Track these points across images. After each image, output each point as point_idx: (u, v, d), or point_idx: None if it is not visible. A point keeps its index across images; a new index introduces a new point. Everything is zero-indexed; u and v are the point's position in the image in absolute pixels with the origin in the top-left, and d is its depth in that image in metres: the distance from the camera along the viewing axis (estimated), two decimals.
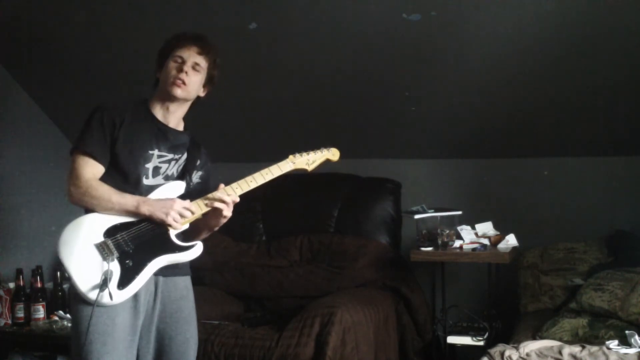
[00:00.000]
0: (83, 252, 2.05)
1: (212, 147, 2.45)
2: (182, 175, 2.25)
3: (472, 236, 3.51)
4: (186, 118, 2.32)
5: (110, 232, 2.08)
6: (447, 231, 3.45)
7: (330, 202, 3.98)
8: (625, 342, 2.69)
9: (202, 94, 2.29)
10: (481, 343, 3.31)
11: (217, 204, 2.14)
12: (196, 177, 2.31)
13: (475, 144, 3.87)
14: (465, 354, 3.50)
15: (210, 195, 2.16)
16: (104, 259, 2.04)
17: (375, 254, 3.74)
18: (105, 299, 2.01)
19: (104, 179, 2.13)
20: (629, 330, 2.76)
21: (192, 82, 2.20)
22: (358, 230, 3.85)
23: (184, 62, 2.19)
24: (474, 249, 3.39)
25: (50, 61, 3.78)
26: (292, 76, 3.61)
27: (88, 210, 2.13)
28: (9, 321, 3.51)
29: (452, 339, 3.44)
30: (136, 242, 2.09)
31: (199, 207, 2.15)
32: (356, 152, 4.00)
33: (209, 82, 2.29)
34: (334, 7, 3.09)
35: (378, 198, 3.92)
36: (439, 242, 3.44)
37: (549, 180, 3.86)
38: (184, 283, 2.28)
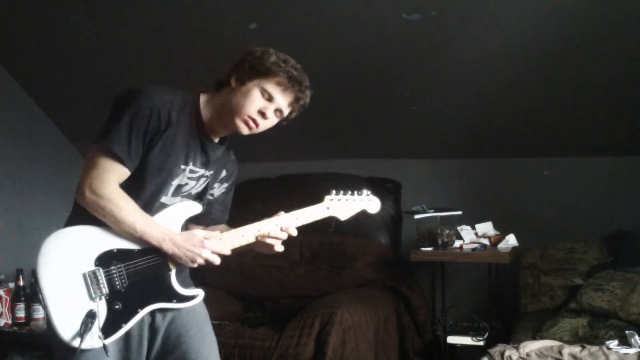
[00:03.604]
0: (67, 282, 1.70)
1: None
2: (203, 192, 1.93)
3: (472, 236, 3.51)
4: None
5: (104, 260, 1.74)
6: (447, 231, 3.45)
7: None
8: (625, 342, 2.69)
9: None
10: (481, 343, 3.31)
11: (270, 240, 1.88)
12: (221, 188, 2.03)
13: (475, 144, 3.87)
14: (465, 354, 3.50)
15: (263, 228, 1.90)
16: (91, 296, 1.71)
17: (375, 254, 3.74)
18: (86, 344, 1.71)
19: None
20: (629, 330, 2.76)
21: (265, 126, 1.86)
22: (358, 230, 3.84)
23: (270, 101, 1.82)
24: (474, 249, 3.39)
25: (51, 61, 3.78)
26: None
27: (75, 215, 1.79)
28: (9, 321, 3.51)
29: (452, 339, 3.43)
30: (132, 280, 1.75)
31: (235, 242, 1.85)
32: (356, 152, 4.00)
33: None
34: (334, 7, 3.08)
35: (378, 198, 3.91)
36: (439, 242, 3.44)
37: (549, 180, 3.86)
38: (201, 309, 1.94)
